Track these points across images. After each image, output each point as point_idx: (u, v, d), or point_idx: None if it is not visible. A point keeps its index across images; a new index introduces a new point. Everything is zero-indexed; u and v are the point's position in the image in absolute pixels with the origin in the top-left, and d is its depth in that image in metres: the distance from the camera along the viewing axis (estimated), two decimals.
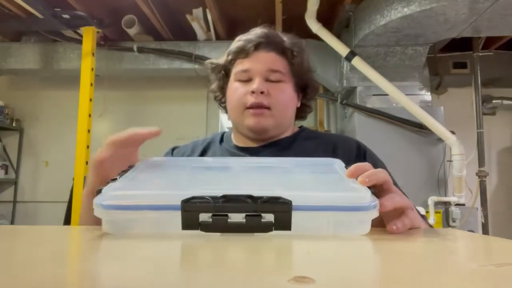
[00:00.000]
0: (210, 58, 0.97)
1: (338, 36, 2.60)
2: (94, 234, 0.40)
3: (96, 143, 2.75)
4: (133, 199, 0.39)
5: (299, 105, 0.88)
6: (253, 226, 0.37)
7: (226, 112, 0.90)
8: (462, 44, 2.77)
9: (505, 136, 3.22)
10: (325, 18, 2.54)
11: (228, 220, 0.37)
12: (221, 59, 0.87)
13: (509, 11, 1.98)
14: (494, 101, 3.06)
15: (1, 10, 2.52)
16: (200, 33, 2.82)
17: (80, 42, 2.68)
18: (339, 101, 2.78)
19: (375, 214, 0.40)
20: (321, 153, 0.80)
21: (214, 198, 0.38)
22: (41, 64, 2.94)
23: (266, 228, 0.38)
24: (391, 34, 2.29)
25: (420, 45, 2.45)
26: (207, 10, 2.58)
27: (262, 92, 0.78)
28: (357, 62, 2.44)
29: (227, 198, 0.37)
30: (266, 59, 0.80)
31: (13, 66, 2.96)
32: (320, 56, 2.74)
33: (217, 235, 0.38)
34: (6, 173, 3.30)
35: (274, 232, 0.38)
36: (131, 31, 2.81)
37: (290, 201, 0.37)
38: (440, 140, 2.41)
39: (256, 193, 0.38)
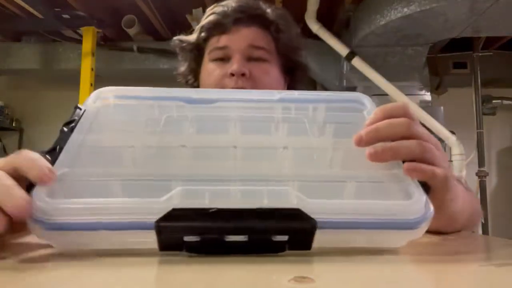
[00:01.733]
0: None
1: (338, 36, 2.60)
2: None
3: None
4: (86, 213, 0.26)
5: (286, 89, 0.75)
6: (259, 246, 0.28)
7: None
8: (462, 44, 2.77)
9: (505, 136, 3.22)
10: (325, 18, 2.54)
11: (226, 239, 0.27)
12: (192, 36, 0.74)
13: (509, 11, 1.98)
14: (494, 101, 3.05)
15: (1, 10, 2.51)
16: None
17: (80, 42, 2.68)
18: None
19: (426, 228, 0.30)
20: None
21: (201, 213, 0.26)
22: (41, 64, 2.94)
23: (278, 248, 0.28)
24: (391, 34, 2.28)
25: (420, 45, 2.45)
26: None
27: (243, 74, 0.64)
28: (357, 62, 2.44)
29: (221, 215, 0.26)
30: (247, 35, 0.68)
31: (13, 66, 2.96)
32: (320, 56, 2.74)
33: None
34: None
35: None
36: (131, 31, 2.80)
37: (315, 221, 0.27)
38: (440, 140, 2.41)
39: (264, 205, 0.27)
